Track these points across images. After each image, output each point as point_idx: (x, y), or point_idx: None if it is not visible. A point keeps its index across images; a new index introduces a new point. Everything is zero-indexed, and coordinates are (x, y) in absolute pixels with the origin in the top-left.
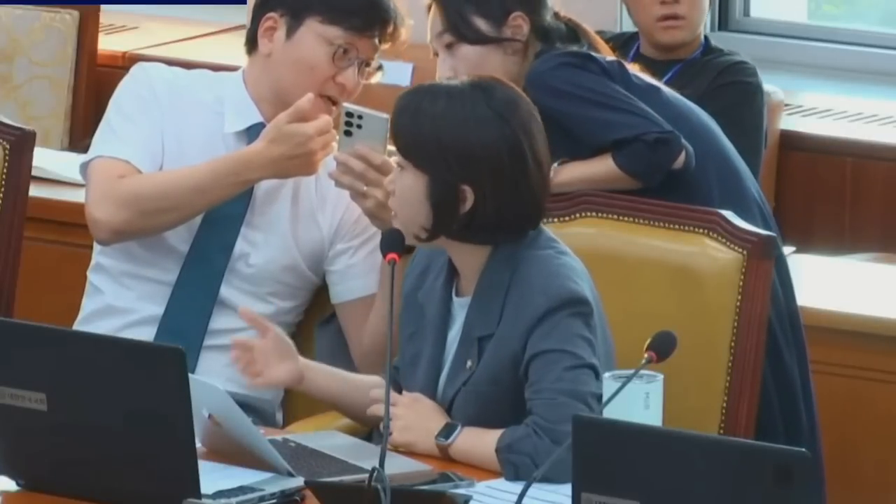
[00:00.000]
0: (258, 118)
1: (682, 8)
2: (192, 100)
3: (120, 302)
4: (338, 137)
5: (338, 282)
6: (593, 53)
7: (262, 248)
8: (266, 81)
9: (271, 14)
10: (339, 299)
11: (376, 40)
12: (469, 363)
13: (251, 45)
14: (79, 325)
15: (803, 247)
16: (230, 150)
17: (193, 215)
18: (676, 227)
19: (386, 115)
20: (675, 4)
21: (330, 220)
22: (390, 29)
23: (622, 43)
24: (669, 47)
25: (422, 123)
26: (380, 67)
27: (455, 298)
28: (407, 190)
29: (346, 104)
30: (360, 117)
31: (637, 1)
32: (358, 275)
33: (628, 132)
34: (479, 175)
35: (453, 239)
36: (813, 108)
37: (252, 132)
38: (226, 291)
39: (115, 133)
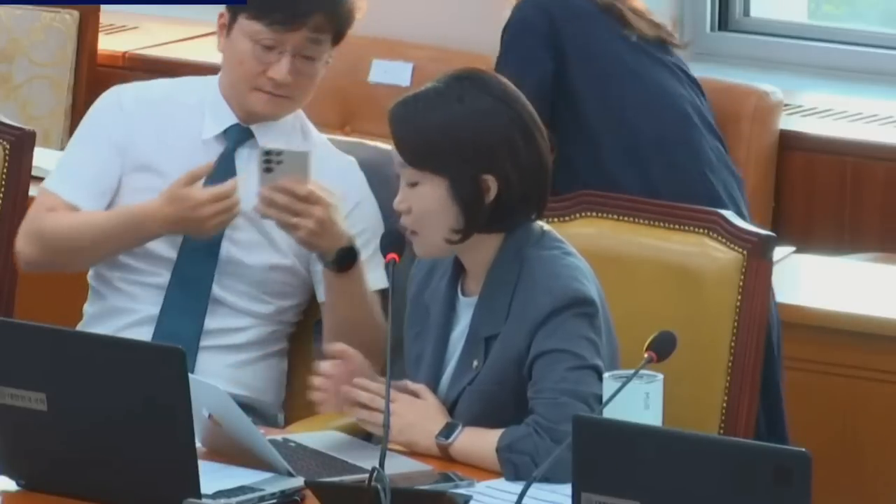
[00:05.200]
0: (233, 119)
1: None
2: (172, 107)
3: (120, 303)
4: (258, 176)
5: (321, 280)
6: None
7: (249, 248)
8: (224, 80)
9: (222, 12)
10: (323, 298)
11: (306, 31)
12: (475, 363)
13: None
14: (82, 329)
15: (803, 247)
16: (210, 154)
17: (102, 259)
18: (676, 227)
19: (306, 150)
20: None
21: None
22: (323, 19)
23: None
24: None
25: (429, 131)
26: (329, 58)
27: (461, 297)
28: (427, 200)
29: (263, 144)
30: (279, 154)
31: None
32: None
33: None
34: (499, 161)
35: (483, 232)
36: (813, 108)
37: (229, 134)
38: (221, 292)
39: (63, 164)
